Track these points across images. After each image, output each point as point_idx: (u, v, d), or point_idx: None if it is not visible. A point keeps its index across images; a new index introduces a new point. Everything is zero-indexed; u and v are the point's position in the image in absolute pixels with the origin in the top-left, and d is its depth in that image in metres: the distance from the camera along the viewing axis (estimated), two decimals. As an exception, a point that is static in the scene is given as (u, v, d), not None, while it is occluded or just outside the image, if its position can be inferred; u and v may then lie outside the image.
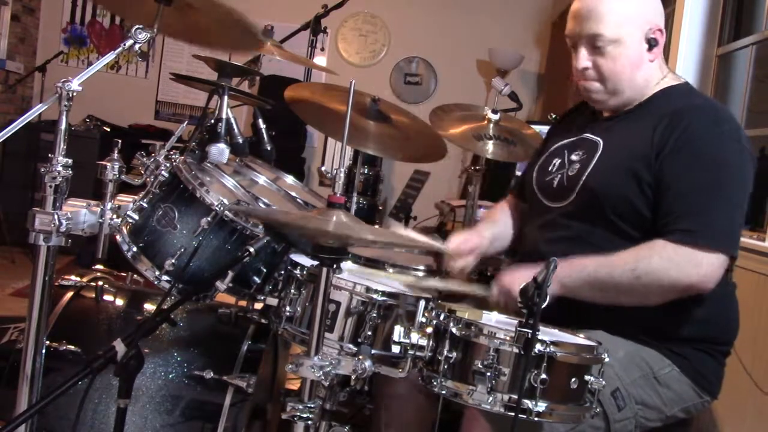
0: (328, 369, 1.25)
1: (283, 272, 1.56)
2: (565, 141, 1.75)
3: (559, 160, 1.72)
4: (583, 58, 1.61)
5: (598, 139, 1.66)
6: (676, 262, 1.44)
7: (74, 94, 1.38)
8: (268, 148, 1.85)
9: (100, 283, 1.92)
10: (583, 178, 1.61)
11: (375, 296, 1.36)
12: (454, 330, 1.28)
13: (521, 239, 1.83)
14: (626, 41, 1.58)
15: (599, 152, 1.63)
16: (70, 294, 1.87)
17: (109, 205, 1.54)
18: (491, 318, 1.48)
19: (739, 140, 1.54)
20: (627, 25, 1.57)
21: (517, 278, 1.50)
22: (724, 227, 1.48)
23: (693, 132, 1.52)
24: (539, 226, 1.71)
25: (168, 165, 1.62)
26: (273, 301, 1.61)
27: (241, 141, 1.66)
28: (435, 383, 1.29)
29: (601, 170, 1.60)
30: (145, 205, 1.60)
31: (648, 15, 1.60)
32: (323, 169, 3.84)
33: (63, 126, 1.41)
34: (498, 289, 1.56)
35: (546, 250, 1.60)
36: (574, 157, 1.68)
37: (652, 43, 1.60)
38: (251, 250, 1.51)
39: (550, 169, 1.73)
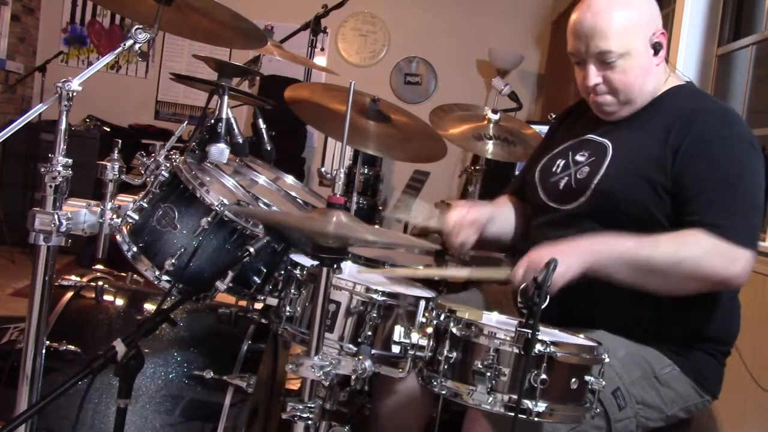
0: (328, 369, 1.25)
1: (283, 272, 1.56)
2: (570, 142, 1.74)
3: (564, 161, 1.71)
4: (593, 75, 1.60)
5: (606, 141, 1.65)
6: (716, 254, 1.42)
7: (74, 94, 1.38)
8: (268, 148, 1.85)
9: (100, 283, 1.92)
10: (595, 181, 1.60)
11: (375, 296, 1.36)
12: (454, 330, 1.28)
13: (523, 239, 1.82)
14: (634, 52, 1.56)
15: (609, 156, 1.62)
16: (70, 294, 1.87)
17: (109, 205, 1.54)
18: (491, 318, 1.48)
19: (752, 142, 1.54)
20: (632, 35, 1.56)
21: (549, 255, 1.45)
22: (750, 226, 1.48)
23: (706, 135, 1.52)
24: (544, 226, 1.70)
25: (168, 165, 1.62)
26: (273, 301, 1.61)
27: (241, 141, 1.66)
28: (435, 383, 1.29)
29: (614, 175, 1.59)
30: (145, 205, 1.60)
31: (649, 21, 1.59)
32: (323, 170, 3.85)
33: (63, 126, 1.41)
34: (527, 265, 1.45)
35: None
36: (579, 158, 1.67)
37: (657, 48, 1.59)
38: (251, 250, 1.51)
39: (554, 170, 1.72)
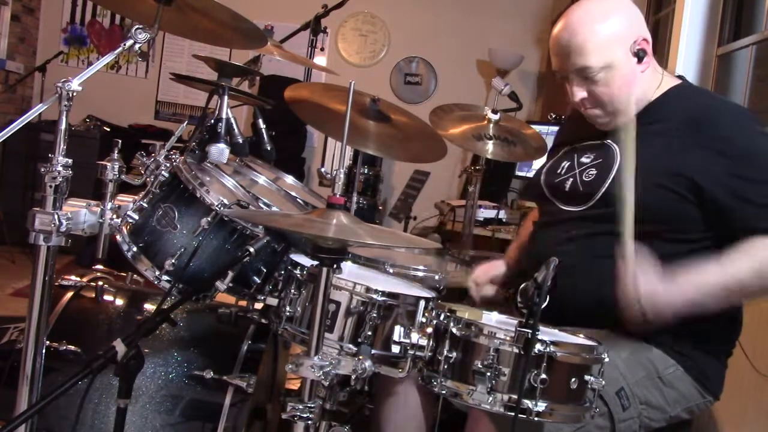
0: (328, 369, 1.25)
1: (283, 272, 1.56)
2: (574, 145, 1.75)
3: (568, 163, 1.71)
4: (578, 91, 1.61)
5: (611, 143, 1.65)
6: None
7: (74, 94, 1.38)
8: (268, 148, 1.85)
9: (100, 283, 1.92)
10: (605, 185, 1.59)
11: (375, 296, 1.36)
12: (454, 330, 1.28)
13: (531, 238, 1.83)
14: (615, 63, 1.56)
15: (618, 159, 1.61)
16: (70, 294, 1.87)
17: (109, 205, 1.54)
18: (491, 318, 1.48)
19: (764, 133, 1.56)
20: (611, 48, 1.56)
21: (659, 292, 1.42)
22: None
23: (727, 135, 1.52)
24: (551, 227, 1.70)
25: (168, 165, 1.62)
26: (273, 301, 1.61)
27: (241, 141, 1.66)
28: (435, 383, 1.29)
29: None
30: (145, 205, 1.60)
31: (628, 30, 1.58)
32: (323, 170, 3.84)
33: (63, 126, 1.41)
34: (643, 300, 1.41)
35: (560, 251, 1.59)
36: (584, 160, 1.68)
37: (640, 55, 1.58)
38: (251, 250, 1.51)
39: (559, 171, 1.72)
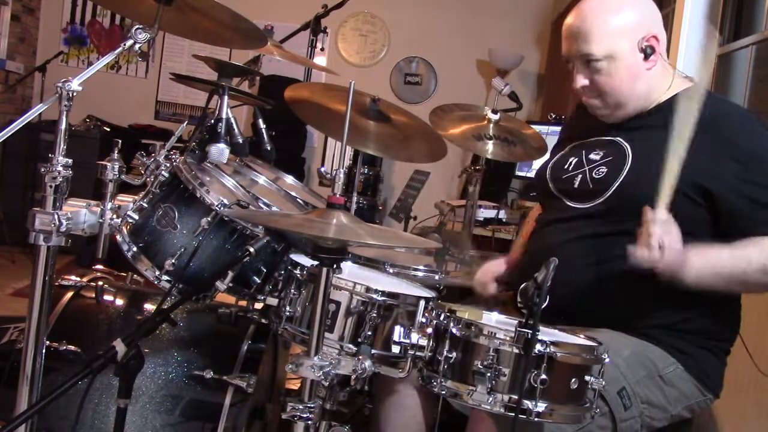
0: (328, 369, 1.25)
1: (283, 272, 1.56)
2: (582, 141, 1.75)
3: (576, 159, 1.71)
4: (580, 78, 1.62)
5: (622, 141, 1.65)
6: None
7: (74, 94, 1.38)
8: (268, 148, 1.85)
9: (100, 283, 1.92)
10: (617, 183, 1.59)
11: (375, 296, 1.36)
12: (454, 330, 1.28)
13: (534, 236, 1.82)
14: (618, 55, 1.56)
15: (630, 158, 1.61)
16: (70, 294, 1.87)
17: (109, 205, 1.54)
18: (491, 318, 1.48)
19: None
20: (616, 39, 1.56)
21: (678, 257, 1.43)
22: None
23: (734, 139, 1.53)
24: (556, 223, 1.70)
25: (168, 165, 1.62)
26: (273, 301, 1.62)
27: (241, 141, 1.66)
28: (435, 383, 1.29)
29: (637, 178, 1.57)
30: (145, 205, 1.60)
31: (638, 24, 1.58)
32: (323, 170, 3.85)
33: (63, 126, 1.41)
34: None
35: (565, 248, 1.59)
36: (593, 157, 1.67)
37: (647, 52, 1.58)
38: (251, 250, 1.51)
39: (566, 167, 1.72)
